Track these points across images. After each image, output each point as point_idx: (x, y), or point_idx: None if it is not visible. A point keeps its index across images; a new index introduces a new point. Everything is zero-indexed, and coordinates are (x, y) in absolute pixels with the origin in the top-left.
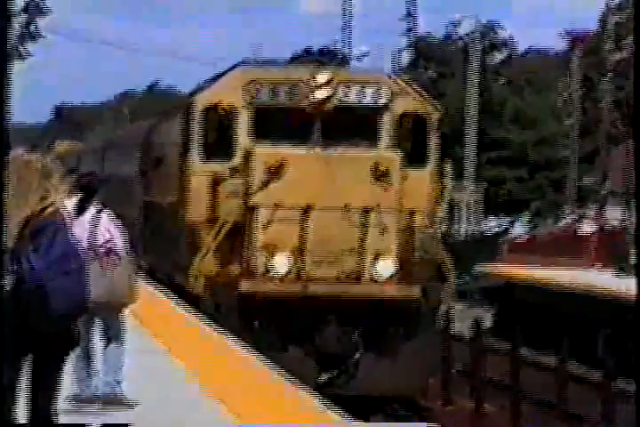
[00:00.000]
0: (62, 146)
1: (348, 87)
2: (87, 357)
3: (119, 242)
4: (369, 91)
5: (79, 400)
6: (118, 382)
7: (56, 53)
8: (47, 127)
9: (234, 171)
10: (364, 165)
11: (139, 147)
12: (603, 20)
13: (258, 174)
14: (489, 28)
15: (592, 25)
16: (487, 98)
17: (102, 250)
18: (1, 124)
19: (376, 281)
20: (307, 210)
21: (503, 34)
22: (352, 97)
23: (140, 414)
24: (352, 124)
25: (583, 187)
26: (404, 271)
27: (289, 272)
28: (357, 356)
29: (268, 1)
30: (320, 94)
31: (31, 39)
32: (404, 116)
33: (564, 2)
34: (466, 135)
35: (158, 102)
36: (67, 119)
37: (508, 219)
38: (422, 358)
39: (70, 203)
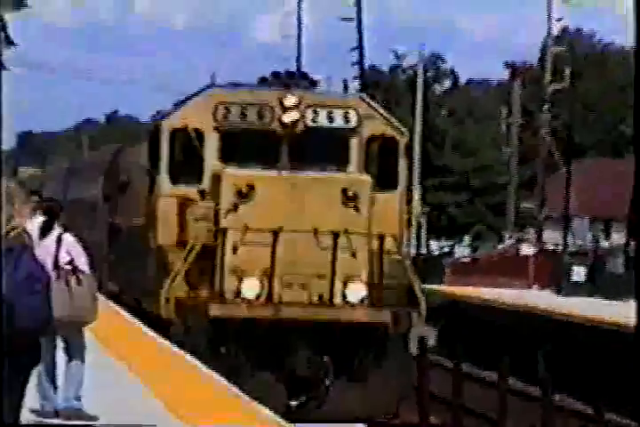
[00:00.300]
0: (25, 172)
1: (317, 110)
2: (50, 373)
3: (81, 262)
4: (337, 114)
5: (41, 414)
6: (78, 398)
7: (18, 82)
8: (10, 154)
9: (203, 194)
10: (334, 189)
11: (104, 171)
12: (542, 53)
13: (227, 197)
14: (433, 60)
15: (532, 57)
16: (431, 127)
17: (65, 270)
18: None
19: (350, 305)
20: (276, 233)
21: (446, 65)
22: (321, 120)
23: None
24: (321, 147)
25: (522, 211)
26: (374, 296)
27: (259, 296)
28: (328, 381)
29: (222, 32)
30: (288, 117)
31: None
32: (372, 139)
33: (505, 34)
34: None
35: (116, 130)
36: (28, 146)
37: (451, 242)
38: (393, 383)
39: (34, 226)
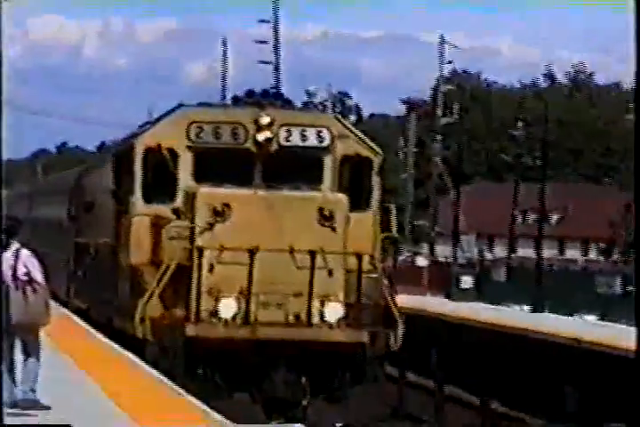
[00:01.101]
0: None
1: (290, 129)
2: (10, 369)
3: (37, 274)
4: (311, 133)
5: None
6: (33, 391)
7: None
8: None
9: (177, 212)
10: (310, 208)
11: (68, 193)
12: (434, 90)
13: (202, 216)
14: (339, 97)
15: (426, 94)
16: None
17: (23, 280)
18: None
19: (327, 325)
20: (252, 252)
21: (351, 101)
22: (294, 139)
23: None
24: (294, 166)
25: (417, 228)
26: (352, 316)
27: (235, 316)
28: (305, 402)
29: (161, 74)
30: (262, 136)
31: None
32: (346, 159)
33: (403, 74)
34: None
35: (65, 159)
36: None
37: None
38: (370, 404)
39: None
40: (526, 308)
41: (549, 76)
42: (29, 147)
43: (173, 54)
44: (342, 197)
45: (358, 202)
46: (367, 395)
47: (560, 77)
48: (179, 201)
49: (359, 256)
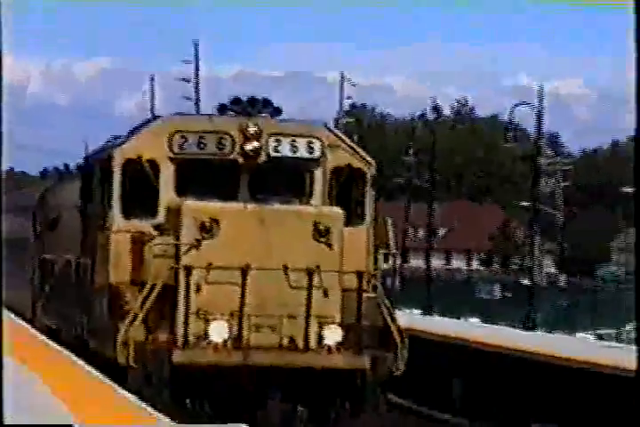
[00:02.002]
0: None
1: (280, 139)
2: None
3: None
4: (301, 143)
5: None
6: None
7: None
8: None
9: (159, 228)
10: (304, 223)
11: (32, 210)
12: (336, 123)
13: (188, 232)
14: None
15: (329, 125)
16: None
17: None
18: None
19: (325, 350)
20: (243, 271)
21: None
22: (283, 150)
23: None
24: (283, 178)
25: None
26: (351, 339)
27: (226, 340)
28: None
29: (96, 108)
30: (249, 146)
31: None
32: (337, 170)
33: (307, 106)
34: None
35: (14, 182)
36: None
37: None
38: None
39: None
40: (416, 311)
41: (436, 110)
42: None
43: (107, 91)
44: (338, 210)
45: (351, 216)
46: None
47: (446, 110)
48: (160, 216)
49: (360, 274)
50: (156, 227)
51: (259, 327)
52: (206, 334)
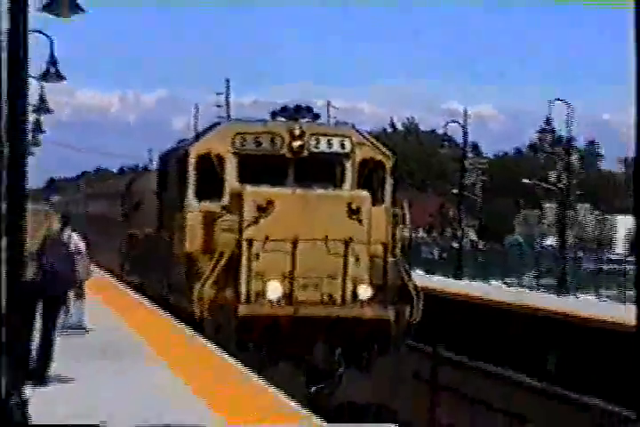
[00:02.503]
0: (52, 200)
1: (318, 138)
2: (67, 306)
3: (82, 248)
4: (335, 141)
5: (63, 327)
6: (81, 319)
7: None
8: (42, 190)
9: (224, 209)
10: (340, 204)
11: (121, 195)
12: None
13: (249, 212)
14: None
15: None
16: None
17: (76, 252)
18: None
19: (358, 304)
20: (292, 242)
21: None
22: (321, 146)
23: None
24: (321, 169)
25: None
26: (378, 295)
27: (280, 297)
28: (341, 370)
29: (151, 126)
30: (295, 144)
31: (40, 132)
32: (363, 162)
33: None
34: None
35: (99, 177)
36: (52, 186)
37: None
38: (394, 372)
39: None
40: None
41: (393, 126)
42: (76, 169)
43: (163, 113)
44: (366, 194)
45: (374, 198)
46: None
47: (399, 127)
48: (226, 199)
49: (384, 245)
50: (223, 208)
51: (305, 286)
52: (264, 293)
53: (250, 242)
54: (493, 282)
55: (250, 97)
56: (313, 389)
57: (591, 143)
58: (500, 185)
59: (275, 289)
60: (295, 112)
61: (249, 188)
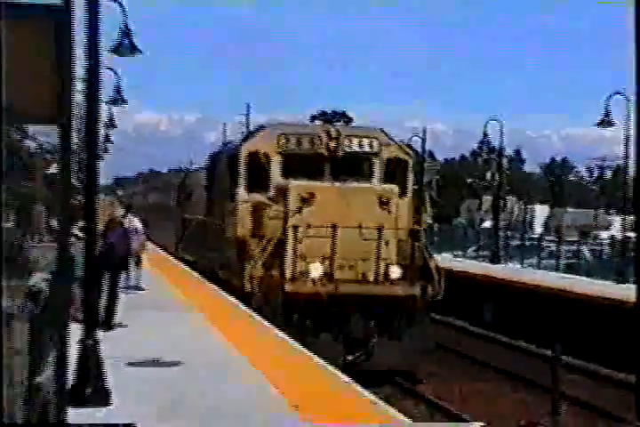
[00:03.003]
0: (119, 193)
1: (351, 139)
2: (128, 271)
3: (140, 228)
4: (365, 142)
5: (125, 287)
6: (138, 281)
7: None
8: (111, 184)
9: (270, 200)
10: (372, 196)
11: (176, 187)
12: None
13: (293, 202)
14: None
15: None
16: None
17: (134, 230)
18: (96, 186)
19: (390, 282)
20: (331, 228)
21: None
22: (354, 146)
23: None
24: (353, 166)
25: None
26: (406, 275)
27: (322, 276)
28: (374, 340)
29: (191, 139)
30: (332, 144)
31: (109, 142)
32: (389, 160)
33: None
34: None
35: (151, 176)
36: (118, 182)
37: None
38: (419, 341)
39: (121, 214)
40: None
41: None
42: (134, 171)
43: (199, 129)
44: (394, 187)
45: (399, 191)
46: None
47: None
48: (271, 192)
49: (411, 231)
50: (269, 199)
51: (342, 267)
52: (307, 272)
53: (295, 228)
54: (444, 254)
55: (264, 116)
56: (350, 357)
57: (517, 152)
58: (450, 182)
59: (317, 269)
60: (331, 116)
61: (293, 182)
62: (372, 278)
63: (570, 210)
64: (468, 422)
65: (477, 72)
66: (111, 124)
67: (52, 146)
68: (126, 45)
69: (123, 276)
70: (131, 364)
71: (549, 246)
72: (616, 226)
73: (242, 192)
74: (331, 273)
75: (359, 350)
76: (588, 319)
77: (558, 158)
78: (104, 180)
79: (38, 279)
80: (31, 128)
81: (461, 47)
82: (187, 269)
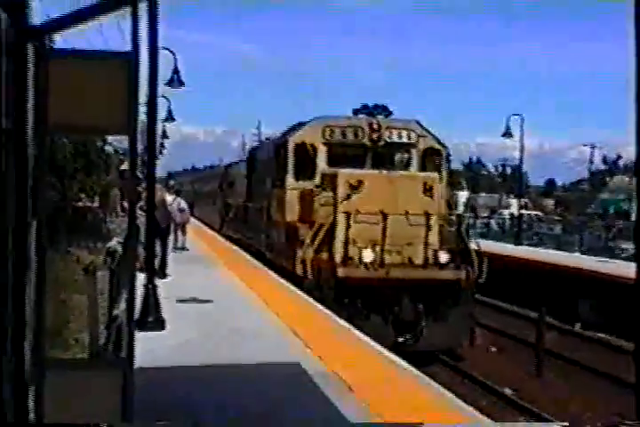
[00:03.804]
0: (171, 183)
1: (391, 131)
2: (176, 236)
3: (185, 207)
4: (404, 133)
5: (174, 247)
6: (183, 244)
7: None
8: (164, 178)
9: (318, 188)
10: (417, 183)
11: (220, 176)
12: None
13: (343, 189)
14: None
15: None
16: None
17: (180, 209)
18: (153, 178)
19: (437, 267)
20: (380, 214)
21: None
22: (393, 137)
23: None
24: (393, 155)
25: None
26: (452, 259)
27: (373, 261)
28: (423, 322)
29: (219, 145)
30: (374, 135)
31: (163, 148)
32: (425, 150)
33: None
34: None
35: (195, 170)
36: (170, 175)
37: None
38: (464, 322)
39: (171, 198)
40: None
41: None
42: (180, 167)
43: (225, 138)
44: (436, 175)
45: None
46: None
47: None
48: (317, 179)
49: (458, 216)
50: (317, 186)
51: (389, 252)
52: (358, 257)
53: (346, 214)
54: None
55: (271, 130)
56: (400, 338)
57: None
58: None
59: (368, 254)
60: (372, 109)
61: (342, 170)
62: (418, 262)
63: (482, 195)
64: (549, 421)
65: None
66: (164, 135)
67: (123, 150)
68: (175, 81)
69: (171, 239)
70: (179, 301)
71: (469, 221)
72: (514, 206)
73: (290, 180)
74: (381, 258)
75: (409, 332)
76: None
77: (474, 158)
78: (159, 173)
79: (115, 243)
80: (109, 138)
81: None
82: (223, 240)
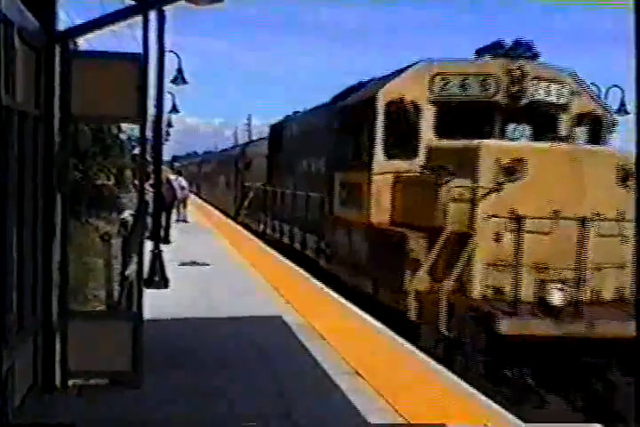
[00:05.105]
0: (175, 165)
1: (539, 84)
2: (178, 210)
3: (186, 185)
4: (553, 88)
5: (177, 220)
6: (185, 216)
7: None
8: (169, 160)
9: (425, 169)
10: (612, 166)
11: (235, 157)
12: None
13: (489, 175)
14: None
15: None
16: None
17: (181, 187)
18: (160, 160)
19: None
20: (556, 218)
21: None
22: (539, 94)
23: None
24: (533, 122)
25: None
26: None
27: (565, 305)
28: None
29: (218, 134)
30: (516, 88)
31: (168, 135)
32: (580, 116)
33: None
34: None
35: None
36: (175, 158)
37: None
38: None
39: (174, 177)
40: None
41: None
42: (183, 152)
43: (221, 129)
44: (629, 154)
45: None
46: None
47: None
48: (421, 157)
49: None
50: (422, 168)
51: (577, 283)
52: (544, 298)
53: (493, 218)
54: None
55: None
56: None
57: None
58: None
59: (558, 294)
60: (511, 50)
61: (487, 141)
62: (609, 298)
63: None
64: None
65: None
66: (170, 124)
67: (135, 137)
68: (179, 79)
69: (174, 212)
70: (181, 264)
71: None
72: None
73: (379, 157)
74: (577, 301)
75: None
76: None
77: None
78: (165, 157)
79: (127, 214)
80: (123, 125)
81: None
82: (222, 217)
